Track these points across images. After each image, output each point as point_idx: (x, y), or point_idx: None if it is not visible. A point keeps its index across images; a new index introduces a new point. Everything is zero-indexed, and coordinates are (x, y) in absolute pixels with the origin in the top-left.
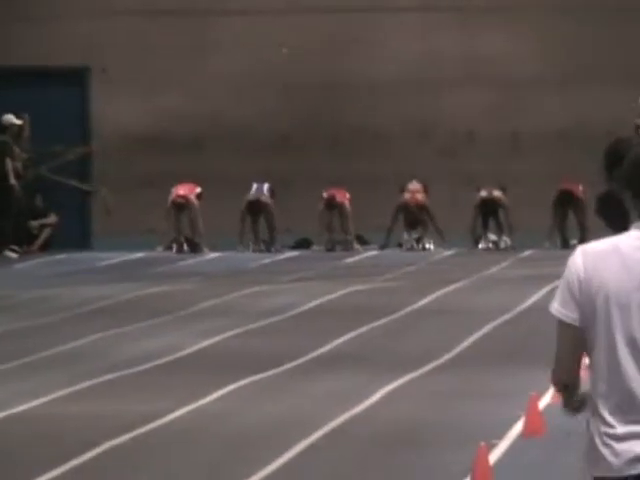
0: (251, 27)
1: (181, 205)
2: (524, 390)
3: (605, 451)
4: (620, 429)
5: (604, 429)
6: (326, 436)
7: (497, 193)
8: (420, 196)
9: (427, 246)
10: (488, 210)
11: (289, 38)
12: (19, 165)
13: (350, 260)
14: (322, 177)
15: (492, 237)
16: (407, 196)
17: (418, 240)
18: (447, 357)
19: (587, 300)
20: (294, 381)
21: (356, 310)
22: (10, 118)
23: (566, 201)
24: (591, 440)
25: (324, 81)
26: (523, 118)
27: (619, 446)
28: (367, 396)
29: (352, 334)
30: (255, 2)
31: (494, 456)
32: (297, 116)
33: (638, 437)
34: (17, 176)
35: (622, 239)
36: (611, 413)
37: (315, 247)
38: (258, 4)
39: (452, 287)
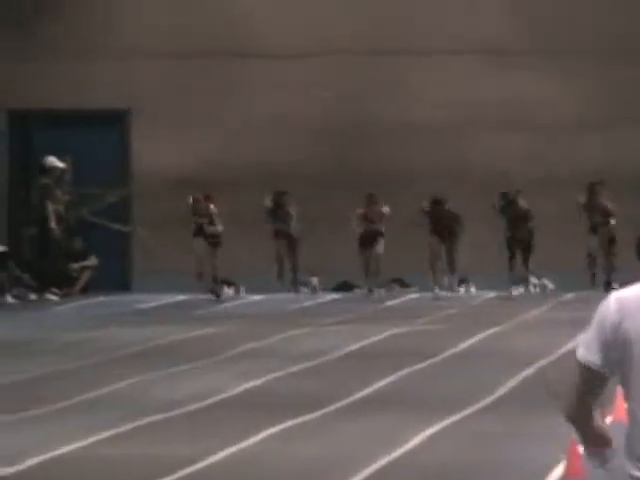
0: (286, 69)
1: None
2: (565, 433)
3: None
4: None
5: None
6: (367, 479)
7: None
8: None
9: (471, 290)
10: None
11: (326, 81)
12: (61, 208)
13: (391, 303)
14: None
15: (533, 280)
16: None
17: (460, 282)
18: (489, 399)
19: (619, 347)
20: (336, 423)
21: (398, 353)
22: (53, 161)
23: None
24: None
25: (358, 123)
26: (559, 161)
27: None
28: (409, 439)
29: (394, 376)
30: (290, 45)
31: None
32: (332, 158)
33: None
34: (59, 219)
35: None
36: None
37: (357, 290)
38: (293, 47)
39: (494, 330)
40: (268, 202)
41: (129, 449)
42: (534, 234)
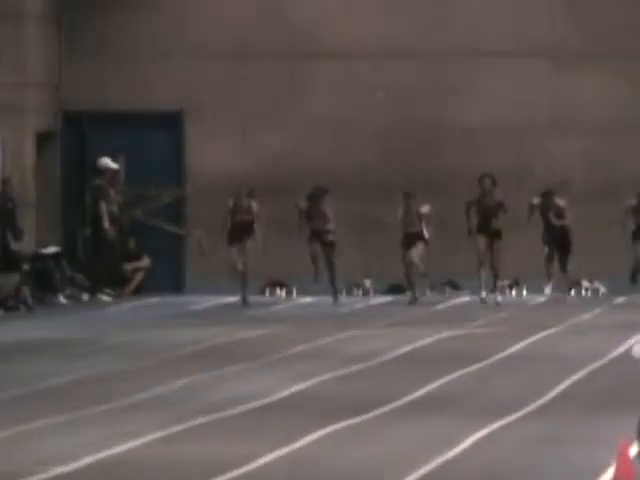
0: (347, 70)
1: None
2: (616, 437)
3: None
4: None
5: None
6: None
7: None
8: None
9: (523, 293)
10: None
11: (385, 81)
12: (114, 208)
13: (442, 306)
14: None
15: (585, 284)
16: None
17: (511, 286)
18: (539, 403)
19: None
20: (386, 426)
21: (448, 356)
22: (106, 162)
23: None
24: None
25: (416, 126)
26: (619, 164)
27: None
28: (459, 442)
29: (445, 379)
30: (351, 45)
31: None
32: (392, 161)
33: None
34: (112, 219)
35: None
36: None
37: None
38: (354, 47)
39: (544, 333)
40: (302, 203)
41: (180, 450)
42: (570, 233)
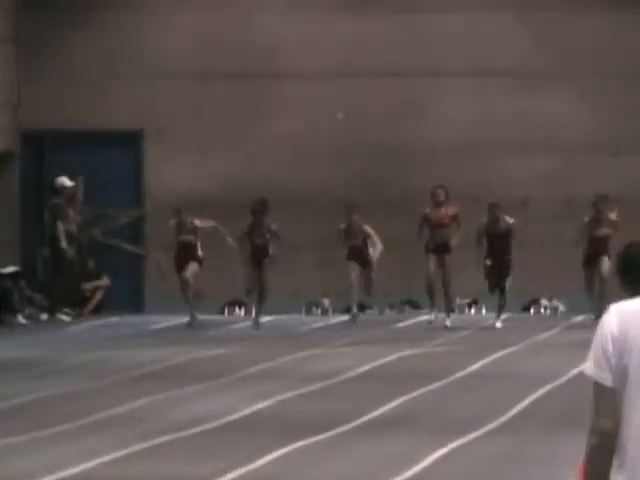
0: (305, 90)
1: None
2: (575, 455)
3: None
4: None
5: None
6: None
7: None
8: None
9: (482, 312)
10: None
11: (344, 102)
12: (73, 228)
13: (402, 324)
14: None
15: (544, 302)
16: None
17: (470, 305)
18: (500, 421)
19: (620, 359)
20: (346, 445)
21: (409, 374)
22: (63, 180)
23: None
24: None
25: (377, 144)
26: (577, 183)
27: None
28: (419, 460)
29: (404, 398)
30: (309, 66)
31: None
32: (350, 180)
33: None
34: (70, 239)
35: None
36: None
37: (369, 311)
38: (312, 68)
39: (504, 352)
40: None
41: (141, 469)
42: (509, 251)
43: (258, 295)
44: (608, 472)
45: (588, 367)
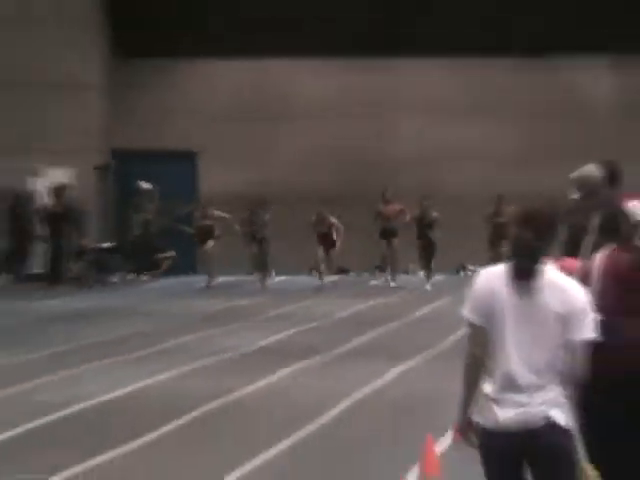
0: (309, 124)
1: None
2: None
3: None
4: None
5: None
6: (356, 403)
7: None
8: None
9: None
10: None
11: (336, 132)
12: (149, 217)
13: (372, 284)
14: (356, 225)
15: (470, 267)
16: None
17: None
18: (437, 349)
19: (486, 306)
20: (332, 365)
21: (375, 317)
22: (142, 184)
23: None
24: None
25: (361, 159)
26: (501, 185)
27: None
28: (382, 376)
29: (373, 333)
30: (310, 108)
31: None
32: (338, 183)
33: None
34: (147, 224)
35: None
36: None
37: (352, 273)
38: (313, 110)
39: (439, 302)
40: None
41: (192, 383)
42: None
43: (261, 268)
44: (477, 381)
45: (465, 312)
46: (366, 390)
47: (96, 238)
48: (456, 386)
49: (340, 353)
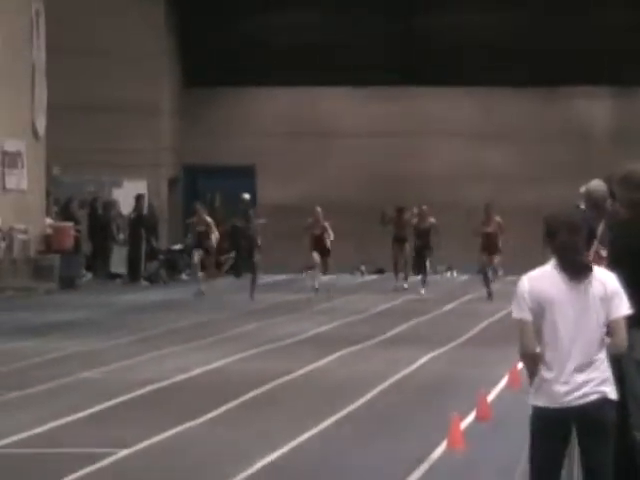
0: (349, 144)
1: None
2: (511, 359)
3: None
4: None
5: None
6: (392, 384)
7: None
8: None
9: (454, 274)
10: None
11: (373, 150)
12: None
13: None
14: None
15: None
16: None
17: (447, 269)
18: (463, 338)
19: (535, 307)
20: (373, 351)
21: (408, 311)
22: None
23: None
24: None
25: (396, 174)
26: (507, 200)
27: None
28: (417, 361)
29: (408, 324)
30: (351, 131)
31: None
32: (371, 196)
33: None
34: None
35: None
36: None
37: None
38: (353, 132)
39: (466, 298)
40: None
41: (255, 365)
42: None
43: (251, 275)
44: (537, 369)
45: (516, 313)
46: (402, 373)
47: (167, 241)
48: (477, 370)
49: (380, 341)
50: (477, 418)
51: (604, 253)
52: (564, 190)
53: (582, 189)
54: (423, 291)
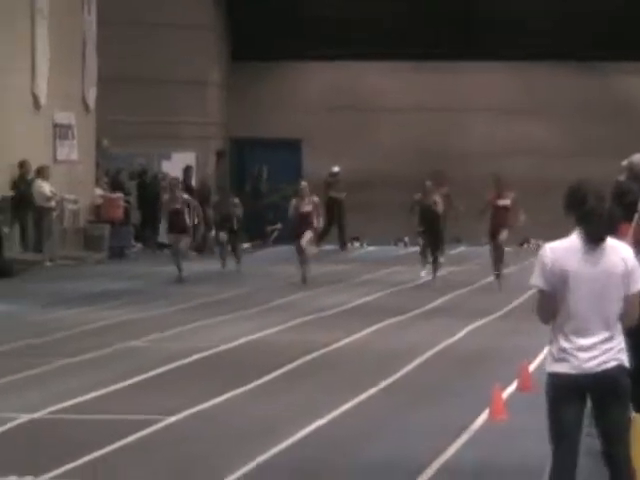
0: (391, 118)
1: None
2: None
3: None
4: None
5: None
6: (433, 355)
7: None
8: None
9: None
10: None
11: (416, 124)
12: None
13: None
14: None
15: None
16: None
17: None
18: (500, 313)
19: (556, 276)
20: (414, 323)
21: (444, 285)
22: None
23: None
24: None
25: (436, 149)
26: (547, 171)
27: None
28: (456, 332)
29: (447, 296)
30: (393, 104)
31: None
32: (420, 168)
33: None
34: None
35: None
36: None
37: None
38: (399, 104)
39: (505, 271)
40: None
41: (299, 335)
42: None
43: (233, 251)
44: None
45: (535, 281)
46: (443, 344)
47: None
48: (518, 342)
49: (421, 313)
50: (519, 388)
51: None
52: (605, 166)
53: (624, 162)
54: (423, 273)
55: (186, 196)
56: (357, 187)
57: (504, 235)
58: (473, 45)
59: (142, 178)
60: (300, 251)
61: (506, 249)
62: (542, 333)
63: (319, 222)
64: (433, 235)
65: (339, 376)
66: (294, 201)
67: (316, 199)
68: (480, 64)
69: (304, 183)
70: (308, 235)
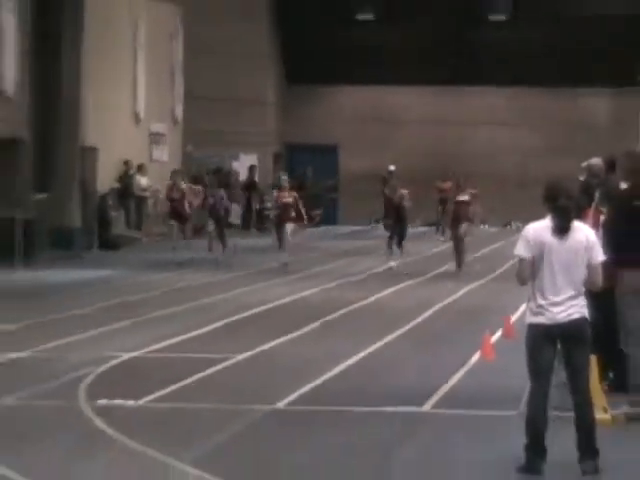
0: (411, 128)
1: None
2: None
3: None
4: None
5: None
6: (439, 309)
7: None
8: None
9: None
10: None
11: (433, 133)
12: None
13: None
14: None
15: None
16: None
17: (482, 223)
18: (493, 275)
19: (536, 249)
20: (422, 286)
21: (444, 256)
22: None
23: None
24: None
25: (445, 151)
26: (527, 168)
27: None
28: (458, 292)
29: (446, 266)
30: (418, 115)
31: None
32: (431, 167)
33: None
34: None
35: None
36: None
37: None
38: (420, 116)
39: (496, 245)
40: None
41: (329, 295)
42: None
43: (221, 240)
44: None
45: (519, 251)
46: (446, 301)
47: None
48: (507, 299)
49: (429, 277)
50: (503, 335)
51: (603, 209)
52: (569, 164)
53: (583, 164)
54: (392, 263)
55: (187, 185)
56: (379, 181)
57: (464, 227)
58: (474, 73)
59: (216, 173)
60: (282, 240)
61: (493, 229)
62: (521, 292)
63: (303, 213)
64: (399, 227)
65: (366, 325)
66: (275, 193)
67: (295, 194)
68: (479, 88)
69: (284, 177)
70: (290, 227)
